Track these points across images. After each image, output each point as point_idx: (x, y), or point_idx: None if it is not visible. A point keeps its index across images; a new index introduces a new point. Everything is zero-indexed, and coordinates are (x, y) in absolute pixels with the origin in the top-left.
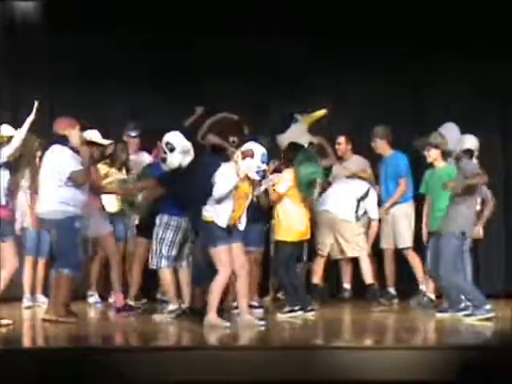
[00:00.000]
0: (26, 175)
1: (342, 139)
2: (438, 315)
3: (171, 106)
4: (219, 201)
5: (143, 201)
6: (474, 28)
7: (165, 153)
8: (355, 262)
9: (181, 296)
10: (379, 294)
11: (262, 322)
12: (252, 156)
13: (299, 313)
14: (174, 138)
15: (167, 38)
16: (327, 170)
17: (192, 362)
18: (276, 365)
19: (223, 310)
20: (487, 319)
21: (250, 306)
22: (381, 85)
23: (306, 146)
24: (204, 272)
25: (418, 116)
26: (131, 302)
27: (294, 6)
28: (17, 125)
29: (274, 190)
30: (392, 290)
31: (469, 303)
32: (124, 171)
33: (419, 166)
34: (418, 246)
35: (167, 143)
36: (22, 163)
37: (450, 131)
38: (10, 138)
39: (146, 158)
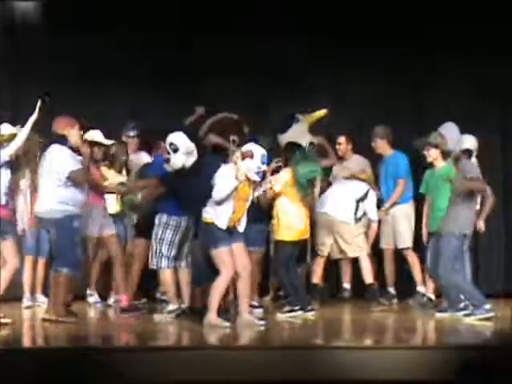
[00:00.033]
0: (26, 175)
1: (342, 139)
2: (438, 315)
3: (171, 106)
4: (219, 202)
5: (142, 200)
6: (474, 28)
7: (168, 153)
8: (355, 261)
9: (180, 296)
10: (379, 293)
11: (262, 322)
12: (252, 157)
13: (299, 313)
14: (178, 138)
15: (167, 38)
16: (328, 170)
17: (192, 362)
18: (276, 365)
19: (228, 311)
20: (487, 319)
21: (250, 306)
22: (381, 85)
23: (304, 145)
24: (203, 272)
25: (418, 116)
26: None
27: (293, 6)
28: (17, 125)
29: (271, 188)
30: (392, 290)
31: (468, 303)
32: (124, 172)
33: (419, 166)
34: (418, 246)
35: (171, 144)
36: (23, 162)
37: (449, 131)
38: (9, 137)
39: (145, 158)
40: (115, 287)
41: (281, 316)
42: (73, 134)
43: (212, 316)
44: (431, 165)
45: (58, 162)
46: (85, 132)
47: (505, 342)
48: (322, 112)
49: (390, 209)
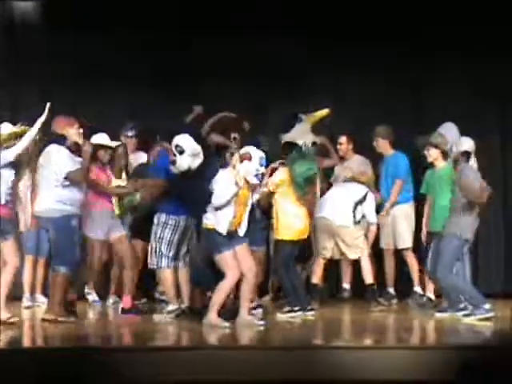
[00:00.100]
0: (26, 174)
1: (343, 139)
2: (438, 315)
3: (170, 106)
4: (219, 208)
5: (141, 201)
6: (474, 28)
7: (174, 155)
8: (355, 262)
9: (180, 296)
10: (378, 293)
11: (262, 322)
12: (250, 159)
13: (299, 313)
14: (184, 140)
15: (166, 38)
16: (329, 171)
17: (191, 362)
18: (276, 365)
19: (231, 311)
20: (486, 319)
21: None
22: (380, 85)
23: (306, 145)
24: (202, 273)
25: (418, 116)
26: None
27: (292, 6)
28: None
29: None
30: (391, 290)
31: (468, 303)
32: (124, 175)
33: (419, 166)
34: (417, 246)
35: (177, 146)
36: (23, 162)
37: (448, 131)
38: (9, 136)
39: (143, 158)
40: (116, 288)
41: (280, 316)
42: (72, 133)
43: (212, 316)
44: (431, 165)
45: (56, 162)
46: (84, 131)
47: (504, 342)
48: (325, 111)
49: (390, 209)
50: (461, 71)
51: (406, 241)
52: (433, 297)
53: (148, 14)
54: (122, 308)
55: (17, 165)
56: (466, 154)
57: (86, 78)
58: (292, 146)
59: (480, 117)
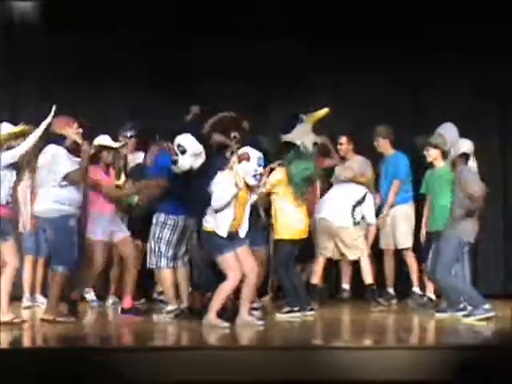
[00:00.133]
0: (26, 174)
1: (343, 139)
2: (437, 315)
3: (170, 106)
4: (218, 210)
5: (140, 201)
6: (474, 28)
7: (176, 155)
8: (355, 262)
9: (179, 296)
10: (378, 294)
11: (261, 322)
12: (248, 159)
13: (298, 313)
14: (186, 140)
15: (166, 38)
16: (330, 171)
17: (191, 362)
18: (276, 365)
19: (231, 311)
20: (486, 319)
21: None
22: (380, 85)
23: (298, 144)
24: (203, 275)
25: (417, 116)
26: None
27: (292, 6)
28: (16, 125)
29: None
30: (391, 291)
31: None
32: (123, 176)
33: (419, 166)
34: (417, 247)
35: (179, 145)
36: (23, 162)
37: (448, 131)
38: (9, 136)
39: (141, 159)
40: (116, 288)
41: (280, 316)
42: (71, 133)
43: (211, 316)
44: (431, 165)
45: (54, 162)
46: (84, 131)
47: (504, 342)
48: (324, 111)
49: (389, 210)
50: (461, 71)
51: (405, 241)
52: (433, 297)
53: (148, 13)
54: (122, 308)
55: (18, 165)
56: (465, 156)
57: (85, 78)
58: (290, 146)
59: (480, 117)
